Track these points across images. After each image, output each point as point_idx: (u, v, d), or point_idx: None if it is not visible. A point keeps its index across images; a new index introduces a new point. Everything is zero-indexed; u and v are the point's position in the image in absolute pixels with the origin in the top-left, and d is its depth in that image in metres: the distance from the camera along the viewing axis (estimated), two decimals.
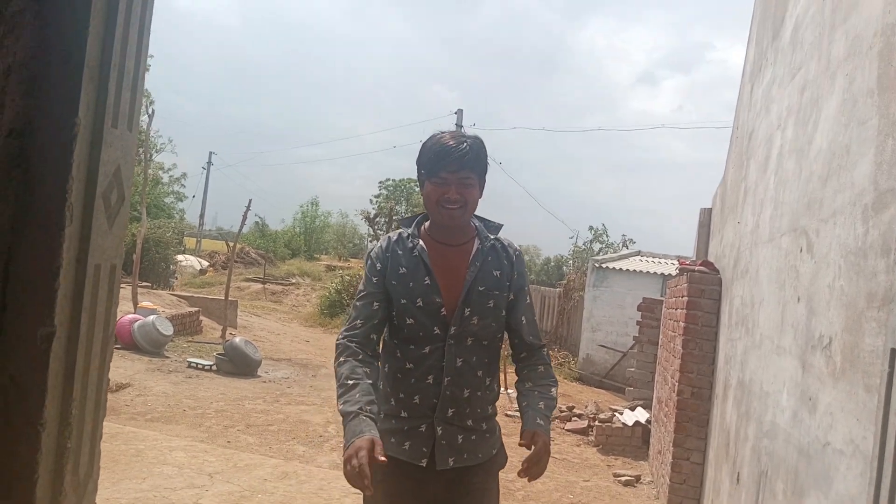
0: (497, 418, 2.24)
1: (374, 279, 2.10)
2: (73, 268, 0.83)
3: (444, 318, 2.06)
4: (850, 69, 2.33)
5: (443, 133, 2.12)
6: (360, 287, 2.15)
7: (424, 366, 2.05)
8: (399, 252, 2.12)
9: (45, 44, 0.80)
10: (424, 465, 2.03)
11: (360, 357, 2.01)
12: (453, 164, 2.02)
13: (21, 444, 0.80)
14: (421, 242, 2.12)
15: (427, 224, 2.21)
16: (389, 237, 2.18)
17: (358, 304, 2.12)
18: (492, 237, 2.20)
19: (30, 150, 0.80)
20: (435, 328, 2.05)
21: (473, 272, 2.10)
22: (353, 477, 1.73)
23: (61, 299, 0.82)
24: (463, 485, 2.07)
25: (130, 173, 0.93)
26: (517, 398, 2.21)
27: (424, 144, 2.12)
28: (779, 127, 3.51)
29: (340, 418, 1.90)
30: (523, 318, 2.21)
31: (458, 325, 2.06)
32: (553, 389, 2.20)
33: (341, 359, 2.02)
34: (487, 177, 2.17)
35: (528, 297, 2.24)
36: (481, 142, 2.13)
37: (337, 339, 2.08)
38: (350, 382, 1.93)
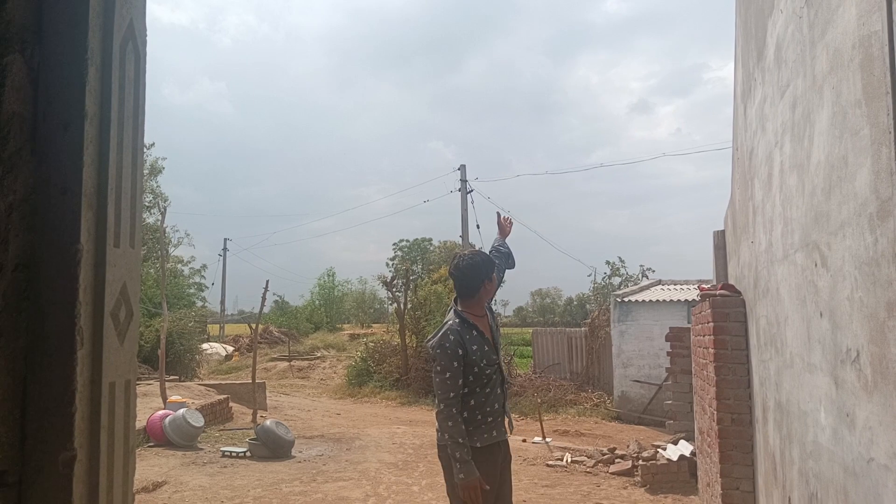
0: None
1: (459, 363, 3.31)
2: (88, 389, 0.85)
3: (496, 359, 3.51)
4: (836, 82, 2.35)
5: (475, 251, 3.73)
6: (444, 368, 3.30)
7: (496, 387, 3.49)
8: (467, 337, 3.39)
9: (43, 179, 0.84)
10: (504, 437, 3.51)
11: (460, 420, 3.27)
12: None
13: None
14: (476, 324, 3.50)
15: (461, 308, 3.56)
16: (457, 330, 3.39)
17: (448, 381, 3.29)
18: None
19: (37, 281, 0.83)
20: (496, 366, 3.52)
21: (495, 326, 3.70)
22: (471, 496, 3.17)
23: (79, 422, 0.83)
24: (506, 446, 3.59)
25: (137, 288, 0.95)
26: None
27: (479, 257, 3.60)
28: (776, 144, 3.52)
29: (454, 455, 3.22)
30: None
31: (499, 357, 3.56)
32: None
33: (450, 423, 3.26)
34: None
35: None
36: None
37: (440, 408, 3.29)
38: (460, 441, 3.24)
